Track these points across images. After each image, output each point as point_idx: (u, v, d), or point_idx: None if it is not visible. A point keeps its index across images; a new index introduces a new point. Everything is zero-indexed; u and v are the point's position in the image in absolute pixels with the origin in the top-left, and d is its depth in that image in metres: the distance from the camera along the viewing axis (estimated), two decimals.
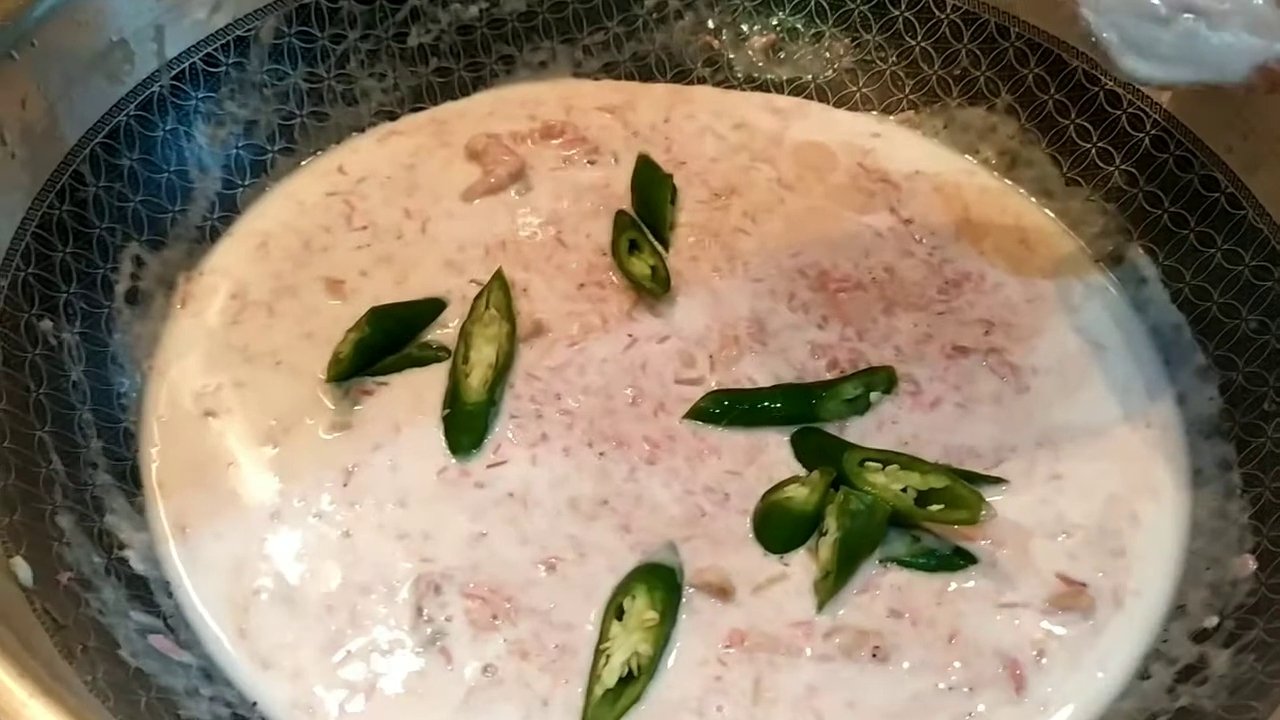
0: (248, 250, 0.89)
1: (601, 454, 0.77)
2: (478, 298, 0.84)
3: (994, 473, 0.77)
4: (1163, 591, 0.72)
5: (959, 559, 0.72)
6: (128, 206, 0.84)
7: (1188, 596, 0.72)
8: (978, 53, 0.98)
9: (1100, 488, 0.77)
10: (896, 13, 1.01)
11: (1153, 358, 0.85)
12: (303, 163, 0.95)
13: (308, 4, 0.94)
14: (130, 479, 0.74)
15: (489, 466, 0.76)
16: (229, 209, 0.90)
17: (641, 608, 0.68)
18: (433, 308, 0.85)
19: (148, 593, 0.68)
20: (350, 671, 0.67)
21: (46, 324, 0.75)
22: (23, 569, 0.61)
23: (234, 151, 0.92)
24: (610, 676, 0.66)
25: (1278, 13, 0.69)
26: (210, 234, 0.89)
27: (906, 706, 0.66)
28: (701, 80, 1.04)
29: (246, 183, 0.92)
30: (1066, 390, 0.83)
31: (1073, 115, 0.94)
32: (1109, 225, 0.91)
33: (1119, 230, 0.91)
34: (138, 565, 0.69)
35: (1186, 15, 0.68)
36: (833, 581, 0.70)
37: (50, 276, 0.77)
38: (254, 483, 0.75)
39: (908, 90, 1.01)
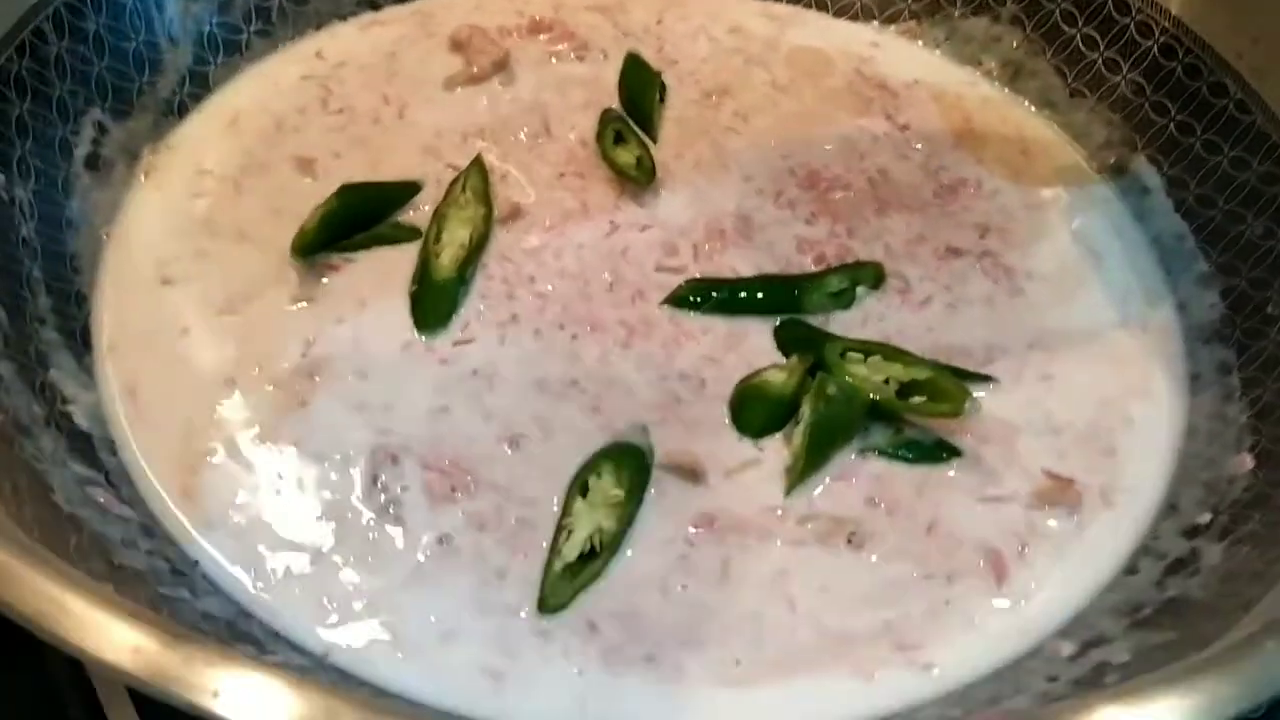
0: (218, 127, 0.85)
1: (574, 336, 0.74)
2: (454, 181, 0.81)
3: (984, 371, 0.73)
4: (1154, 490, 0.69)
5: (942, 451, 0.69)
6: (91, 71, 0.80)
7: (1180, 496, 0.68)
8: None
9: (1093, 389, 0.74)
10: None
11: (1153, 267, 0.82)
12: (279, 46, 0.91)
13: None
14: (80, 339, 0.71)
15: (455, 344, 0.73)
16: (200, 86, 0.87)
17: (608, 485, 0.65)
18: (407, 190, 0.82)
19: (90, 448, 0.65)
20: (298, 534, 0.63)
21: None
22: None
23: (207, 28, 0.88)
24: (571, 551, 0.63)
25: None
26: (179, 108, 0.86)
27: (882, 593, 0.63)
28: None
29: (219, 61, 0.88)
30: (1062, 296, 0.79)
31: (1080, 24, 0.91)
32: (1113, 136, 0.88)
33: (1123, 142, 0.88)
34: (81, 421, 0.66)
35: None
36: (802, 466, 0.66)
37: (5, 131, 0.73)
38: (209, 350, 0.72)
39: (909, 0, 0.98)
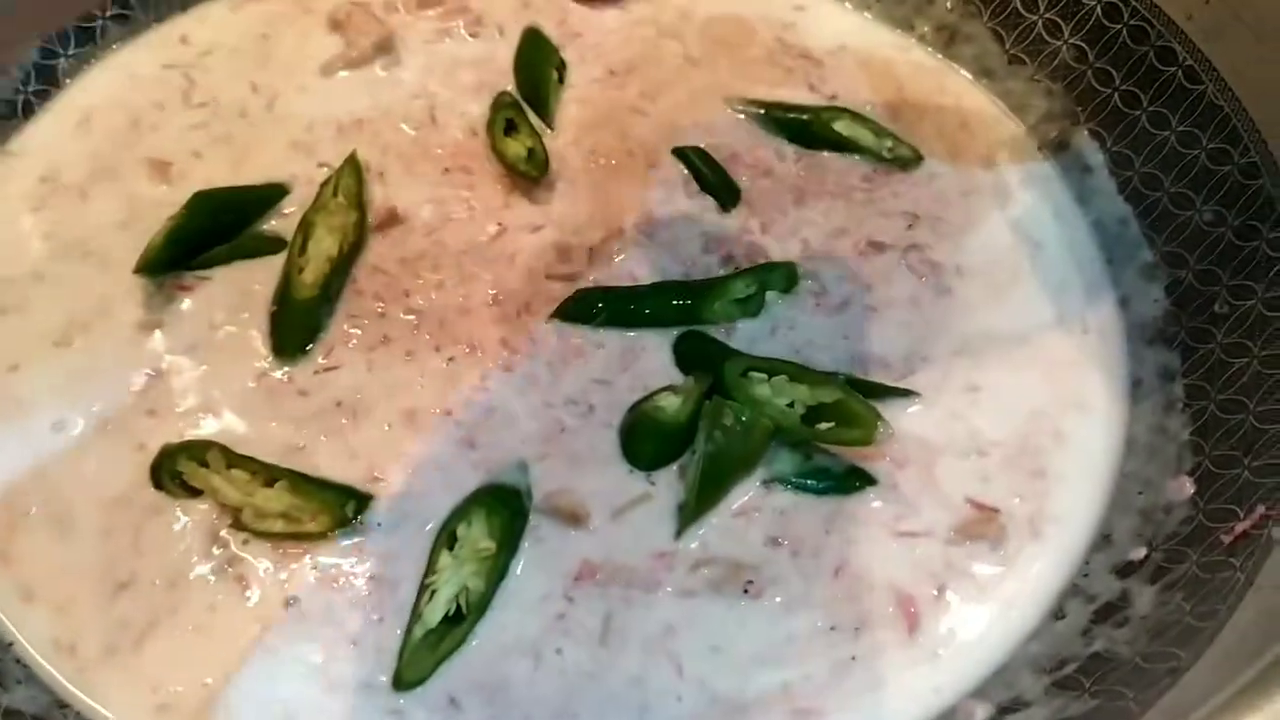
0: (66, 128, 0.77)
1: (450, 359, 0.67)
2: (325, 184, 0.73)
3: (902, 384, 0.66)
4: (1087, 519, 0.62)
5: (854, 480, 0.62)
6: None
7: (1114, 524, 0.62)
8: None
9: (1023, 401, 0.67)
10: None
11: (1094, 256, 0.74)
12: (140, 32, 0.83)
13: None
14: None
15: (316, 372, 0.66)
16: (47, 82, 0.79)
17: (477, 536, 0.59)
18: (271, 193, 0.74)
19: None
20: (127, 605, 0.57)
21: None
22: None
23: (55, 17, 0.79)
24: (433, 615, 0.56)
25: None
26: (24, 109, 0.77)
27: (780, 650, 0.57)
28: None
29: (70, 52, 0.80)
30: (994, 292, 0.72)
31: None
32: (1054, 108, 0.81)
33: (1065, 114, 0.80)
34: None
35: None
36: (694, 505, 0.60)
37: None
38: (40, 388, 0.65)
39: None
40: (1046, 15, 0.81)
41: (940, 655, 0.57)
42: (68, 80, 0.80)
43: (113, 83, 0.80)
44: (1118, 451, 0.65)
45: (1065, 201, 0.77)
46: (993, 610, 0.59)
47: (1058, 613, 0.59)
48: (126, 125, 0.77)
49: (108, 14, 0.81)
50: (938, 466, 0.63)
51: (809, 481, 0.62)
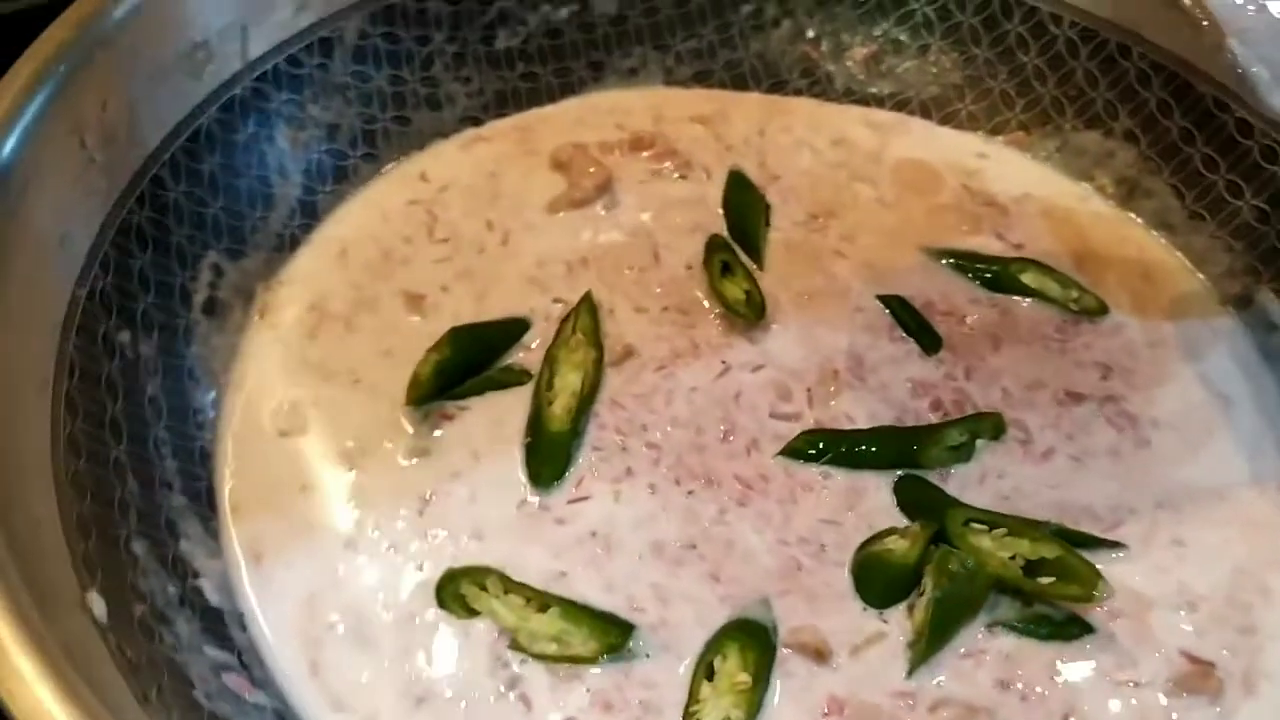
0: (327, 260, 0.86)
1: (690, 492, 0.73)
2: (564, 321, 0.81)
3: (1111, 536, 0.71)
4: None
5: (1073, 627, 0.67)
6: (207, 212, 0.81)
7: None
8: (1095, 73, 0.92)
9: (1226, 557, 0.71)
10: (1009, 27, 0.95)
11: None
12: (385, 169, 0.91)
13: (393, 4, 0.91)
14: (205, 501, 0.71)
15: (570, 502, 0.72)
16: (309, 216, 0.87)
17: (733, 669, 0.64)
18: (515, 328, 0.81)
19: (221, 626, 0.65)
20: (426, 717, 0.63)
21: (124, 336, 0.72)
22: (98, 604, 0.58)
23: (316, 156, 0.88)
24: None
25: None
26: (290, 242, 0.86)
27: None
28: (798, 92, 0.99)
29: (328, 189, 0.89)
30: (1189, 446, 0.77)
31: (1199, 144, 0.88)
32: (1235, 264, 0.85)
33: (1246, 270, 0.85)
34: (212, 596, 0.66)
35: None
36: (925, 645, 0.65)
37: (129, 286, 0.74)
38: (329, 508, 0.72)
39: (1018, 110, 0.96)
40: (1228, 176, 0.87)
41: None
42: (325, 215, 0.88)
43: (365, 217, 0.88)
44: None
45: (1252, 358, 0.82)
46: None
47: None
48: (380, 258, 0.86)
49: (358, 153, 0.90)
50: (1150, 618, 0.68)
51: (1030, 627, 0.67)
